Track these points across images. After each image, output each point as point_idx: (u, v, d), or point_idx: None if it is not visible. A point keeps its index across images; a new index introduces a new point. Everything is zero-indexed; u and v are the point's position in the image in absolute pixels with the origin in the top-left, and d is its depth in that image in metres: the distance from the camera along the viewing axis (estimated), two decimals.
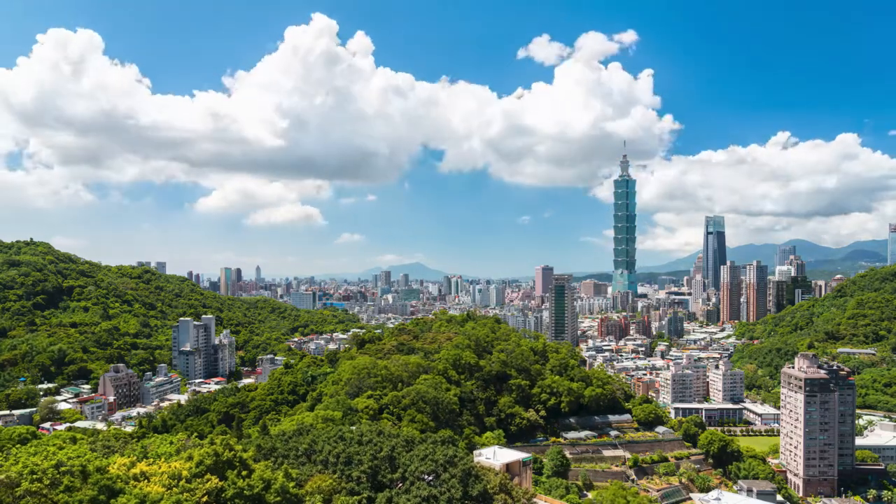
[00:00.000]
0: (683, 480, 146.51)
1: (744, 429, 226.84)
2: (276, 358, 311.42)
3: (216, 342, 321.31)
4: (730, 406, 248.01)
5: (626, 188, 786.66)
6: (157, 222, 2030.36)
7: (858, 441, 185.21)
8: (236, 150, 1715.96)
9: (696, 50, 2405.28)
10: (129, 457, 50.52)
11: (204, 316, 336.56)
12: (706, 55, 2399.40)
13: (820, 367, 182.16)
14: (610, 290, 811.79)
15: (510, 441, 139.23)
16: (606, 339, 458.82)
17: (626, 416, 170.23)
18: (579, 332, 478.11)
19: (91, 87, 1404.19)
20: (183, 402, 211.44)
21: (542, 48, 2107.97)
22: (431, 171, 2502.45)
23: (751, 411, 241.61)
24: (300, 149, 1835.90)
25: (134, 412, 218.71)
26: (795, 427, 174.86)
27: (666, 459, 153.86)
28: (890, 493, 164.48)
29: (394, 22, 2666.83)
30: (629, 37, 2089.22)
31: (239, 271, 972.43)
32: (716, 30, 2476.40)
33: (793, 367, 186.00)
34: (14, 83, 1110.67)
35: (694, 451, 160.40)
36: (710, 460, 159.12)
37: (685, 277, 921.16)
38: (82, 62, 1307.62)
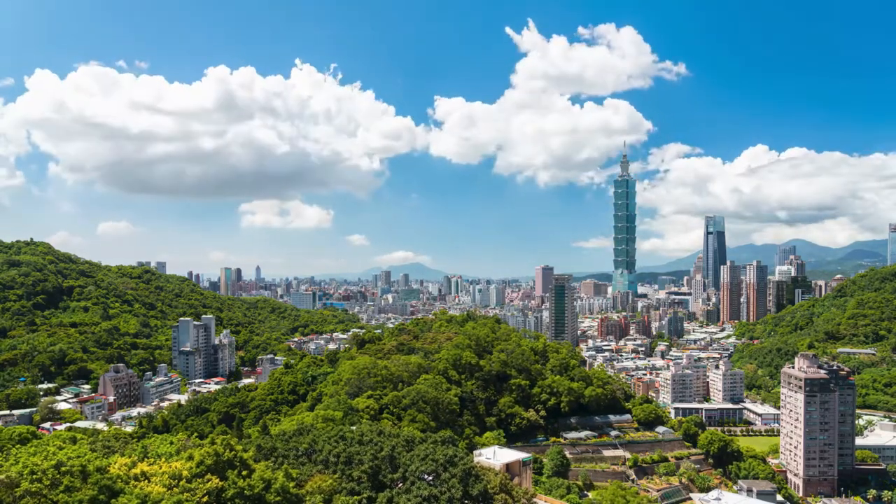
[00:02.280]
0: (683, 480, 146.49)
1: (744, 429, 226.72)
2: (276, 358, 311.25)
3: (216, 342, 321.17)
4: (730, 406, 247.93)
5: (625, 188, 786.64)
6: (160, 224, 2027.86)
7: (858, 441, 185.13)
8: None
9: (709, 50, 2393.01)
10: (129, 457, 50.53)
11: (204, 316, 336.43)
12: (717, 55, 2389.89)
13: (820, 367, 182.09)
14: (610, 290, 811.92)
15: (510, 441, 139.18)
16: (606, 339, 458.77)
17: (627, 416, 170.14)
18: (579, 332, 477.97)
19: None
20: (183, 402, 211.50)
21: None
22: (432, 172, 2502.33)
23: (751, 411, 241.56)
24: (307, 159, 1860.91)
25: (134, 412, 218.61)
26: (795, 427, 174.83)
27: (666, 459, 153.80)
28: (890, 493, 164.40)
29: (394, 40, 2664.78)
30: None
31: (239, 271, 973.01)
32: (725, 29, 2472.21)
33: (793, 367, 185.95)
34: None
35: (694, 451, 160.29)
36: (710, 460, 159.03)
37: (685, 277, 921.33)
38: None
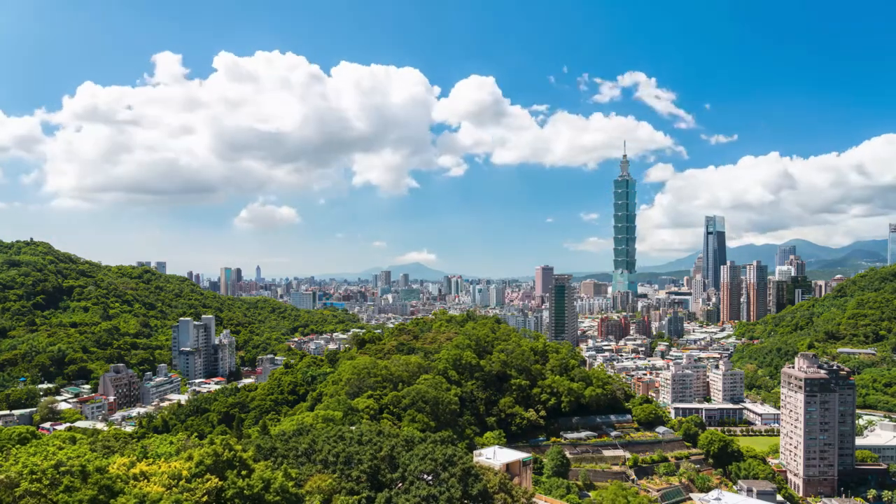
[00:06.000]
0: (683, 480, 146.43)
1: (744, 429, 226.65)
2: (276, 358, 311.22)
3: (216, 342, 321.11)
4: (730, 406, 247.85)
5: (625, 188, 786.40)
6: (159, 222, 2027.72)
7: (858, 441, 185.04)
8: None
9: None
10: (129, 457, 50.51)
11: (204, 316, 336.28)
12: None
13: (820, 367, 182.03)
14: (610, 290, 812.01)
15: (511, 441, 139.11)
16: (606, 339, 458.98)
17: (627, 416, 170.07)
18: (579, 332, 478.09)
19: None
20: (183, 402, 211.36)
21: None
22: (431, 171, 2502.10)
23: (751, 411, 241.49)
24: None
25: (134, 412, 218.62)
26: (795, 427, 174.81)
27: (666, 459, 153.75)
28: (890, 493, 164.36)
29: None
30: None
31: (239, 271, 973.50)
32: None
33: (793, 367, 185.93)
34: None
35: (694, 451, 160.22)
36: (711, 460, 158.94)
37: (685, 277, 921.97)
38: None
